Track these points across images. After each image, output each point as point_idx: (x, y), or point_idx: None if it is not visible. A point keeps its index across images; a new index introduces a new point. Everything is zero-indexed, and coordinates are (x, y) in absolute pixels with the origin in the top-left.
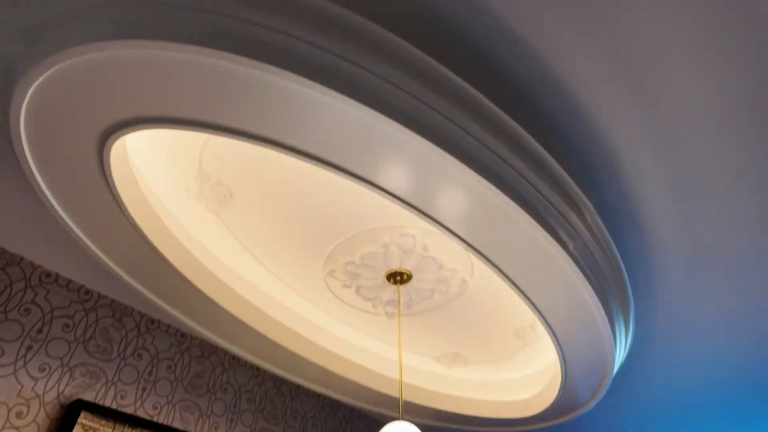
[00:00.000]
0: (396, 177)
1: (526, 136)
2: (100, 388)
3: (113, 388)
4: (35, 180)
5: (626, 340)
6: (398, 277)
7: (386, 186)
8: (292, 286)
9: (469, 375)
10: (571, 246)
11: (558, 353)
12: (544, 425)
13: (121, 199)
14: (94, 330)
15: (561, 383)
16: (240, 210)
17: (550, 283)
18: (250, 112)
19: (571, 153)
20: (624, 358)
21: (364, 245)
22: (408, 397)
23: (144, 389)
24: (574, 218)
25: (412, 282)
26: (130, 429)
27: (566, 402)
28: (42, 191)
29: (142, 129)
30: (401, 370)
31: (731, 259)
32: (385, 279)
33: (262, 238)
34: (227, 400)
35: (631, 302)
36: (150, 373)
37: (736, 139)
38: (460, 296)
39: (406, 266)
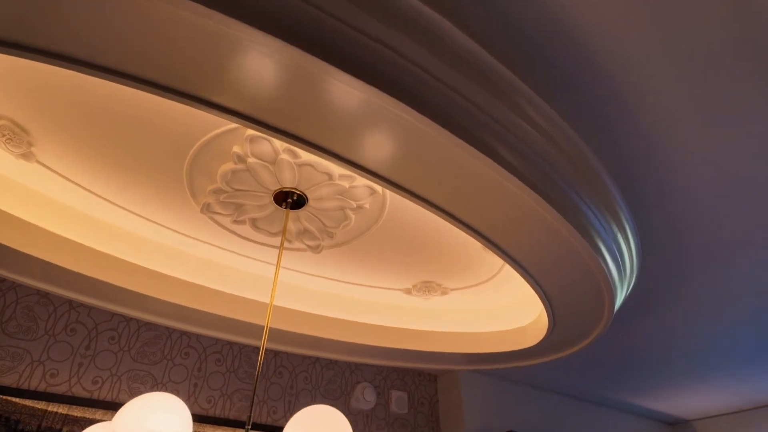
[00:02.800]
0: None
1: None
2: (24, 368)
3: (41, 367)
4: None
5: (627, 254)
6: (289, 199)
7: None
8: (179, 230)
9: (451, 305)
10: (503, 152)
11: (536, 290)
12: (555, 356)
13: None
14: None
15: (549, 323)
16: (68, 155)
17: (496, 206)
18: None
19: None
20: (636, 270)
21: (215, 163)
22: (373, 339)
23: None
24: (506, 114)
25: (311, 203)
26: (66, 408)
27: (567, 329)
28: None
29: None
30: (271, 306)
31: None
32: (275, 205)
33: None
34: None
35: (623, 210)
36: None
37: None
38: (383, 214)
39: (287, 183)
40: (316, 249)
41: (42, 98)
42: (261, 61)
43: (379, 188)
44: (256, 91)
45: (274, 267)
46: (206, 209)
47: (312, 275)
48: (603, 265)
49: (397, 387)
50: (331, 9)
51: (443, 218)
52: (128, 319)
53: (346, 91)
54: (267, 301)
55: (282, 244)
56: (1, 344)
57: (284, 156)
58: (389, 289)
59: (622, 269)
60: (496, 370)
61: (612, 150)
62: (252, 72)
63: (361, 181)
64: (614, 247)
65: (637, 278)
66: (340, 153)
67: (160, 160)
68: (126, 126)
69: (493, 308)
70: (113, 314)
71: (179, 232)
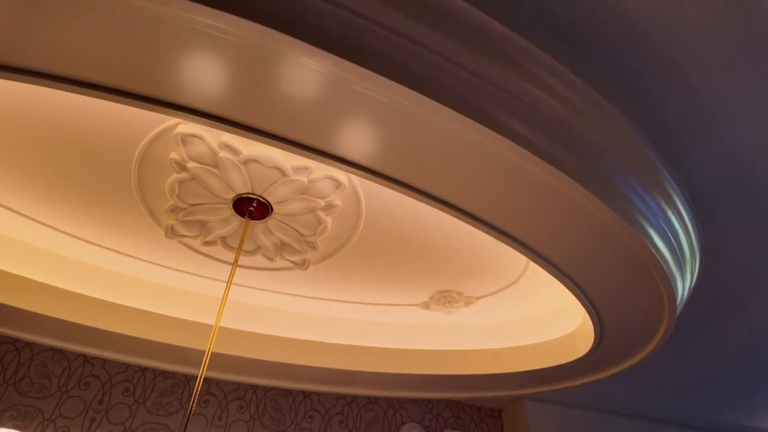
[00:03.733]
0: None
1: None
2: (35, 428)
3: (52, 425)
4: None
5: (685, 239)
6: (250, 208)
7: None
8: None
9: (481, 316)
10: (518, 128)
11: (576, 294)
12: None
13: None
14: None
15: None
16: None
17: (518, 196)
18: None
19: None
20: (699, 255)
21: (161, 177)
22: (412, 366)
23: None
24: (520, 84)
25: (275, 209)
26: None
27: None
28: None
29: None
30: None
31: None
32: (238, 216)
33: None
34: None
35: (668, 181)
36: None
37: None
38: (362, 212)
39: (239, 188)
40: (302, 265)
41: None
42: (212, 44)
43: (344, 179)
44: (211, 82)
45: (284, 295)
46: (171, 232)
47: (310, 298)
48: (654, 252)
49: (452, 426)
50: None
51: (455, 216)
52: (144, 369)
53: (312, 69)
54: (284, 335)
55: (236, 257)
56: (13, 404)
57: (224, 154)
58: (403, 305)
59: (679, 256)
60: (568, 393)
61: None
62: (202, 59)
63: (320, 173)
64: (666, 230)
65: (705, 268)
66: (316, 146)
67: (111, 185)
68: (73, 156)
69: (531, 315)
70: (128, 365)
71: (168, 267)
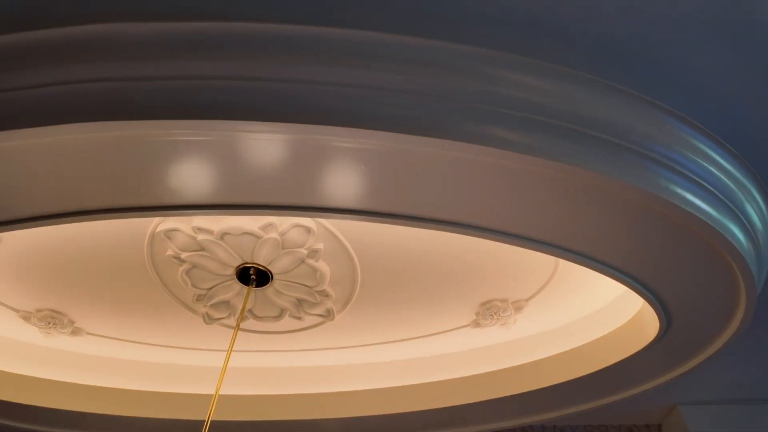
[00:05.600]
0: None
1: None
2: None
3: None
4: None
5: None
6: (252, 276)
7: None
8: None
9: (540, 321)
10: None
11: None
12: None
13: None
14: None
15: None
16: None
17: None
18: None
19: None
20: None
21: (169, 271)
22: (436, 400)
23: None
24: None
25: (273, 271)
26: None
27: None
28: None
29: None
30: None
31: None
32: (241, 285)
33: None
34: None
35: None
36: None
37: None
38: (348, 249)
39: (230, 261)
40: (328, 316)
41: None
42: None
43: (310, 223)
44: (194, 180)
45: (327, 351)
46: (209, 319)
47: (364, 346)
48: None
49: None
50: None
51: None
52: None
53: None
54: (346, 389)
55: (238, 324)
56: None
57: (201, 236)
58: (451, 330)
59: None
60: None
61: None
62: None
63: (286, 224)
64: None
65: None
66: (307, 204)
67: (142, 291)
68: (105, 274)
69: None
70: None
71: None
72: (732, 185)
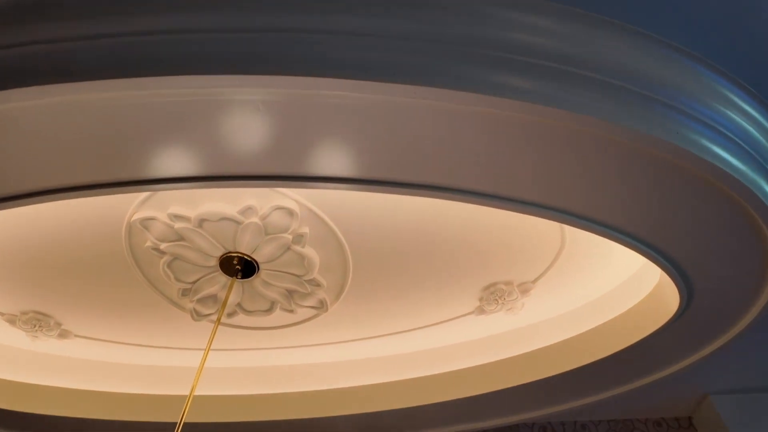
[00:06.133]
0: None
1: None
2: None
3: None
4: None
5: None
6: (237, 267)
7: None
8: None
9: (551, 303)
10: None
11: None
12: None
13: None
14: None
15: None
16: None
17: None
18: None
19: None
20: None
21: (152, 265)
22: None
23: None
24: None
25: (259, 260)
26: None
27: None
28: None
29: None
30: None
31: None
32: (231, 277)
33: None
34: None
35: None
36: None
37: None
38: (334, 230)
39: (213, 251)
40: (321, 307)
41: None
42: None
43: (291, 203)
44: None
45: (332, 345)
46: (196, 315)
47: (365, 339)
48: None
49: None
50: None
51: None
52: None
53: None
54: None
55: (219, 317)
56: None
57: (179, 224)
58: (455, 318)
59: None
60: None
61: None
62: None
63: (266, 206)
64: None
65: None
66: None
67: (130, 289)
68: (89, 270)
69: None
70: None
71: (221, 349)
72: (763, 139)
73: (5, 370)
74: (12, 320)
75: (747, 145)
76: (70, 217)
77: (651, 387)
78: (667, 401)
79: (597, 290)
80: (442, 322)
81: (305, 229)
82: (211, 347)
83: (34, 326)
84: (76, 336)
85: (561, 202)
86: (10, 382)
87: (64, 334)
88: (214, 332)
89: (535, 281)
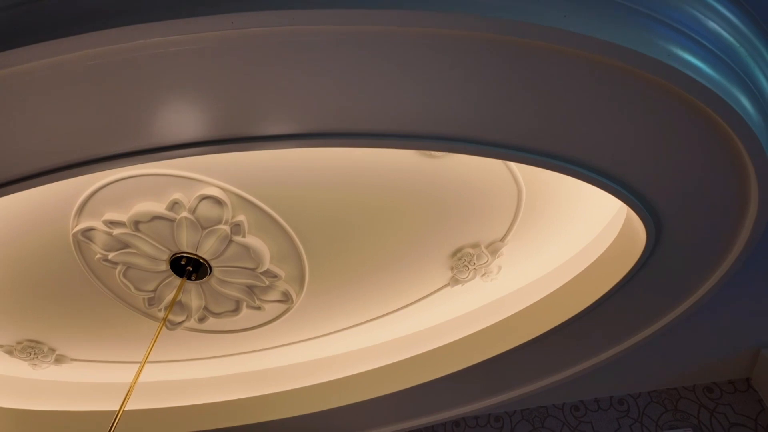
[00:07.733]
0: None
1: None
2: None
3: None
4: None
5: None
6: (186, 266)
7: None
8: None
9: (533, 262)
10: None
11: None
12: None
13: None
14: None
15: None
16: None
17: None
18: None
19: None
20: None
21: (112, 276)
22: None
23: None
24: None
25: (206, 258)
26: None
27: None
28: None
29: None
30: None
31: None
32: (192, 283)
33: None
34: None
35: None
36: None
37: None
38: (274, 216)
39: (159, 255)
40: (287, 300)
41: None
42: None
43: (216, 191)
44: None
45: (319, 338)
46: (170, 324)
47: (343, 330)
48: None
49: (674, 425)
50: None
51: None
52: None
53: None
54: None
55: (166, 316)
56: None
57: (117, 231)
58: (432, 294)
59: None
60: None
61: None
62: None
63: (192, 197)
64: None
65: None
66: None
67: (103, 303)
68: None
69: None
70: None
71: (200, 359)
72: (738, 45)
73: (12, 401)
74: (10, 351)
75: (721, 52)
76: (12, 235)
77: (677, 344)
78: (715, 362)
79: (574, 241)
80: (419, 300)
81: (241, 217)
82: (192, 357)
83: (30, 354)
84: (72, 360)
85: (503, 137)
86: (18, 410)
87: (60, 359)
88: (159, 330)
89: (503, 239)
